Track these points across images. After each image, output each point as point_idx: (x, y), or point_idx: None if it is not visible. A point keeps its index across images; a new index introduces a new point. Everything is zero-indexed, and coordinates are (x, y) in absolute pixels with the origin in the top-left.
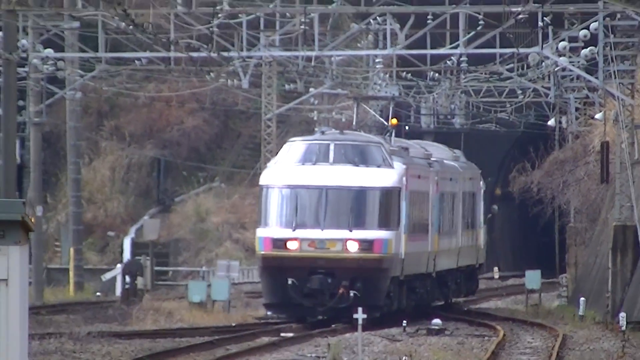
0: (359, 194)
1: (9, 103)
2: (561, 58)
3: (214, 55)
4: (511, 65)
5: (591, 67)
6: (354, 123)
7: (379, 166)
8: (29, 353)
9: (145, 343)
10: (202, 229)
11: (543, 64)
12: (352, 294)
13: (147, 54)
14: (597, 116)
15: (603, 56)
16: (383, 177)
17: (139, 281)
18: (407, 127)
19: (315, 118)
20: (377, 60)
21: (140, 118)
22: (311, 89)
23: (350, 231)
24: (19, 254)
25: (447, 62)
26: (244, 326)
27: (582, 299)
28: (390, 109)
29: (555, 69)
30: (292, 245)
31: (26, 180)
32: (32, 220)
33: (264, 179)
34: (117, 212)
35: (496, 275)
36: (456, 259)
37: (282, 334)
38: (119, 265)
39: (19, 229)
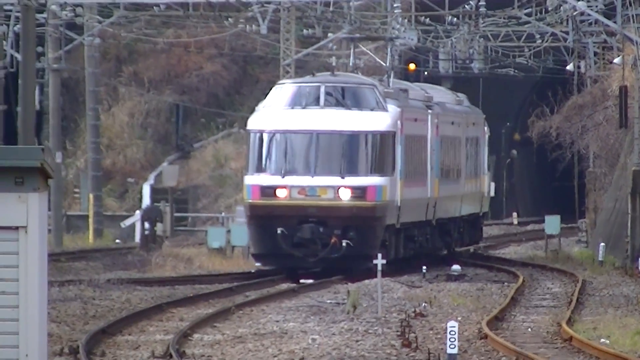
0: (351, 139)
1: (27, 49)
2: (579, 2)
3: (232, 0)
4: (530, 9)
5: (609, 11)
6: (350, 64)
7: (372, 109)
8: (49, 300)
9: (165, 290)
10: (221, 175)
11: (561, 8)
12: (344, 244)
13: None
14: (616, 61)
15: (621, 0)
16: (376, 120)
17: (158, 227)
18: (425, 72)
19: (333, 64)
20: (395, 4)
21: (158, 64)
22: (330, 34)
23: (343, 178)
24: (38, 201)
25: (466, 6)
26: (263, 272)
27: (601, 244)
28: (389, 51)
29: (574, 13)
30: (281, 193)
31: (45, 126)
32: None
33: (251, 124)
34: (136, 158)
35: (515, 221)
36: (459, 206)
37: (302, 281)
38: (138, 212)
39: (37, 176)
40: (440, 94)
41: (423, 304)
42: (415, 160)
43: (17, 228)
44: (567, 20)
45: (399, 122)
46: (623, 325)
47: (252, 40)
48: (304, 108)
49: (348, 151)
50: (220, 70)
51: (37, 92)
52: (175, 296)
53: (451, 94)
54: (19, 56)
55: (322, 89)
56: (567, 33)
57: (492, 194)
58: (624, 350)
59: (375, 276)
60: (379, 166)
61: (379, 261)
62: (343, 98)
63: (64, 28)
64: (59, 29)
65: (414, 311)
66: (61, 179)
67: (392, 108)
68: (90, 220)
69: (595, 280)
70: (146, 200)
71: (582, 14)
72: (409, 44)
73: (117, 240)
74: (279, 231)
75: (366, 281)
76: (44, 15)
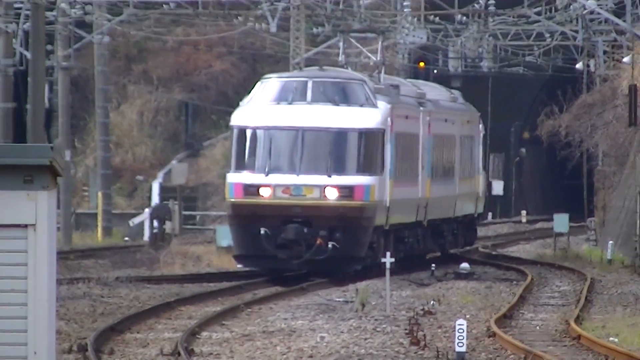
0: (339, 136)
1: (37, 47)
2: (589, 1)
3: None
4: (539, 8)
5: (619, 9)
6: (339, 58)
7: (361, 105)
8: (57, 297)
9: (173, 288)
10: None
11: (571, 6)
12: (330, 245)
13: None
14: (625, 59)
15: None
16: (365, 117)
17: (167, 226)
18: (435, 71)
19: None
20: (405, 3)
21: (168, 62)
22: (339, 33)
23: (329, 176)
24: (47, 199)
25: (475, 5)
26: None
27: (610, 242)
28: (380, 44)
29: (584, 12)
30: (264, 192)
31: (54, 124)
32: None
33: (235, 119)
34: (145, 157)
35: (524, 219)
36: (452, 207)
37: (311, 278)
38: (147, 210)
39: (47, 174)
40: (434, 90)
41: (431, 302)
42: (405, 159)
43: (26, 226)
44: (577, 18)
45: (389, 119)
46: (632, 324)
47: (261, 39)
48: (290, 103)
49: (335, 149)
50: (230, 68)
51: (46, 90)
52: (184, 294)
53: (445, 90)
54: (28, 54)
55: (309, 84)
56: (576, 32)
57: (500, 192)
58: (633, 348)
59: (384, 275)
60: (368, 165)
61: (388, 259)
62: (331, 93)
63: (74, 26)
64: (69, 27)
65: (423, 309)
66: (70, 177)
67: (382, 104)
68: (99, 218)
69: (604, 279)
70: (155, 199)
71: (591, 12)
72: (418, 43)
73: (126, 238)
74: (262, 232)
75: (375, 279)
76: (54, 13)
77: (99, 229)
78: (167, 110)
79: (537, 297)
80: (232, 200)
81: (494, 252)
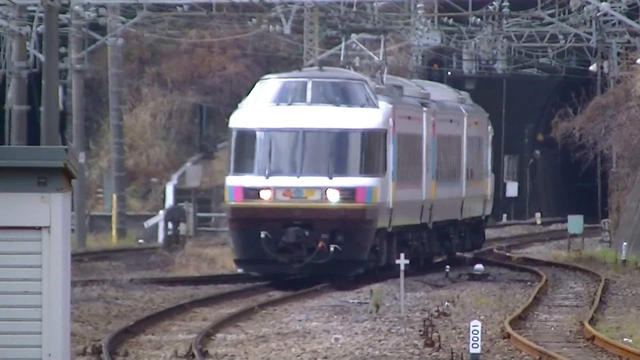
0: (340, 137)
1: (50, 50)
2: (603, 3)
3: (255, 1)
4: (553, 10)
5: (633, 11)
6: (341, 59)
7: (362, 106)
8: (72, 300)
9: (188, 290)
10: None
11: (585, 8)
12: (332, 249)
13: (189, 0)
14: (639, 61)
15: None
16: (366, 118)
17: (181, 228)
18: (449, 73)
19: (357, 64)
20: (418, 5)
21: (182, 65)
22: (353, 35)
23: (330, 178)
24: (61, 201)
25: (489, 7)
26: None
27: (624, 243)
28: (382, 44)
29: (597, 14)
30: (265, 195)
31: (68, 127)
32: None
33: (234, 121)
34: (159, 159)
35: (538, 221)
36: (459, 209)
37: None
38: (161, 212)
39: (61, 176)
40: (440, 91)
41: (446, 304)
42: (408, 160)
43: (40, 228)
44: (591, 20)
45: (390, 119)
46: None
47: (275, 41)
48: (289, 104)
49: (336, 150)
50: (244, 70)
51: (60, 92)
52: (198, 296)
53: (453, 91)
54: (42, 57)
55: (309, 85)
56: (590, 34)
57: (514, 194)
58: None
59: (398, 276)
60: (370, 166)
61: (402, 261)
62: (331, 94)
63: (87, 29)
64: (82, 29)
65: (437, 311)
66: (84, 180)
67: (384, 105)
68: (114, 220)
69: (618, 280)
70: (169, 201)
71: (605, 14)
72: (432, 45)
73: (140, 241)
74: (262, 235)
75: (389, 280)
76: (67, 15)
77: (113, 231)
78: (181, 112)
79: (552, 298)
80: (232, 203)
81: (507, 254)
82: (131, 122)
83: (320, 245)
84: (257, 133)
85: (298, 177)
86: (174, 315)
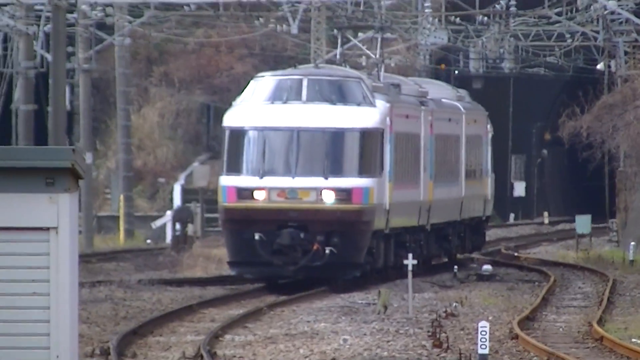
0: (336, 136)
1: (58, 49)
2: (610, 1)
3: (263, 0)
4: (560, 8)
5: None
6: (337, 56)
7: (358, 104)
8: (80, 301)
9: (195, 290)
10: None
11: (592, 7)
12: (327, 251)
13: None
14: None
15: None
16: (363, 116)
17: (189, 228)
18: (456, 72)
19: (364, 63)
20: (426, 4)
21: (189, 64)
22: (360, 34)
23: (326, 179)
24: (68, 202)
25: (496, 5)
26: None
27: (632, 243)
28: (378, 42)
29: (604, 12)
30: (259, 196)
31: (76, 127)
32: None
33: (227, 120)
34: (167, 159)
35: (546, 220)
36: (458, 210)
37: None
38: (169, 212)
39: (68, 177)
40: (438, 89)
41: (454, 304)
42: (406, 160)
43: (47, 229)
44: (598, 19)
45: (388, 118)
46: None
47: (282, 40)
48: (284, 103)
49: (332, 150)
50: (251, 70)
51: (67, 92)
52: (206, 297)
53: (451, 89)
54: (49, 56)
55: (305, 82)
56: (597, 32)
57: (522, 194)
58: None
59: (406, 276)
60: (366, 166)
61: (410, 261)
62: (327, 92)
63: (94, 28)
64: (89, 29)
65: (445, 311)
66: (92, 180)
67: (381, 103)
68: (121, 220)
69: (626, 280)
70: (177, 201)
71: (612, 13)
72: (439, 44)
73: (148, 241)
74: (256, 237)
75: (397, 281)
76: (74, 15)
77: (121, 232)
78: (189, 112)
79: (560, 298)
80: (225, 204)
81: (515, 254)
82: (139, 122)
83: (315, 247)
84: (251, 132)
85: (293, 177)
86: (182, 316)
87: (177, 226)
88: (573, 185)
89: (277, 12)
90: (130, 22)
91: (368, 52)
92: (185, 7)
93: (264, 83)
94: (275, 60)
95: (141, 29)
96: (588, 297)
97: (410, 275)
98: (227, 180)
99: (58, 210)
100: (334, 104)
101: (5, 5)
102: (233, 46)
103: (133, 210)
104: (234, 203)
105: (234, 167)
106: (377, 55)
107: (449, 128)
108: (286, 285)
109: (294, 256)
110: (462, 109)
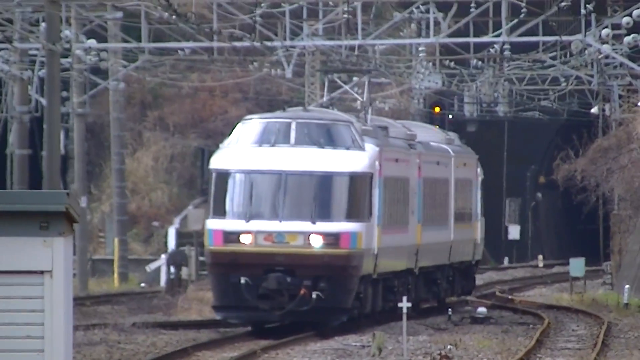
0: (324, 180)
1: (52, 94)
2: (604, 45)
3: (257, 44)
4: (554, 53)
5: (634, 54)
6: (324, 99)
7: (347, 148)
8: (74, 344)
9: (190, 333)
10: None
11: (586, 51)
12: (314, 296)
13: (190, 44)
14: None
15: None
16: (352, 160)
17: (184, 271)
18: (450, 116)
19: (358, 107)
20: (420, 48)
21: (183, 108)
22: (354, 78)
23: (314, 223)
24: (63, 245)
25: (490, 50)
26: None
27: (626, 286)
28: (366, 84)
29: (599, 57)
30: (245, 239)
31: (70, 171)
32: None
33: (214, 162)
34: (161, 203)
35: (541, 264)
36: (447, 254)
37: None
38: (163, 256)
39: (63, 220)
40: (426, 132)
41: (449, 347)
42: (395, 203)
43: (42, 272)
44: (592, 63)
45: (377, 162)
46: None
47: (277, 84)
48: (272, 146)
49: (320, 194)
50: (245, 114)
51: (62, 136)
52: (201, 340)
53: (441, 132)
54: (43, 101)
55: (293, 126)
56: (591, 76)
57: (516, 237)
58: None
59: (400, 319)
60: (355, 211)
61: (404, 304)
62: (316, 135)
63: (89, 72)
64: (84, 73)
65: (440, 354)
66: (86, 223)
67: (370, 147)
68: (116, 264)
69: (621, 323)
70: (171, 244)
71: (606, 57)
72: (433, 88)
73: (143, 284)
74: (242, 281)
75: (392, 324)
76: (69, 60)
77: (115, 275)
78: (183, 156)
79: (554, 341)
80: (212, 247)
81: (510, 297)
82: (133, 166)
83: (302, 291)
84: (238, 175)
85: (280, 221)
86: (176, 359)
87: (172, 269)
88: (567, 228)
89: (271, 57)
90: (124, 67)
91: (356, 95)
92: (179, 51)
93: (251, 126)
94: (269, 104)
95: (135, 73)
96: (582, 339)
97: (404, 317)
98: (214, 224)
99: (52, 253)
100: (323, 147)
101: (0, 50)
102: (227, 90)
103: (127, 254)
104: (220, 247)
105: (221, 211)
106: (365, 99)
107: (438, 171)
108: (274, 329)
109: (281, 301)
110: (451, 152)
